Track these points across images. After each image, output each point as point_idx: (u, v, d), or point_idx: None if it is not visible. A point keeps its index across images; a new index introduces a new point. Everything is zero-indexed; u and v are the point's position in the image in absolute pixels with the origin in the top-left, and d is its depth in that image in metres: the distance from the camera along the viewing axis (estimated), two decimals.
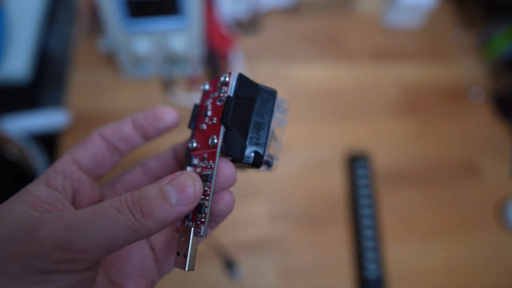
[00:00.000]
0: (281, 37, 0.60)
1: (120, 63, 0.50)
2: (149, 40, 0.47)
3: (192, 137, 0.22)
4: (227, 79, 0.20)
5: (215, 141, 0.19)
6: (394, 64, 0.60)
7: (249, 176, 0.49)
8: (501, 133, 0.56)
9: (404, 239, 0.47)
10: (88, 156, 0.21)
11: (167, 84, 0.52)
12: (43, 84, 0.53)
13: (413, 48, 0.62)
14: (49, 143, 0.47)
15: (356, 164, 0.49)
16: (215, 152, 0.19)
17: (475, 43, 0.64)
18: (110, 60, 0.54)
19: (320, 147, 0.52)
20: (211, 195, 0.19)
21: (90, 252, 0.15)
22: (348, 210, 0.48)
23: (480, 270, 0.46)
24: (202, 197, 0.19)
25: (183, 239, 0.19)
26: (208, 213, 0.19)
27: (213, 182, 0.19)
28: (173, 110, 0.22)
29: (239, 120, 0.20)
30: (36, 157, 0.43)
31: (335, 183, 0.50)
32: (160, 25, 0.46)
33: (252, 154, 0.20)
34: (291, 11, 0.62)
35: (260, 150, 0.20)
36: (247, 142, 0.20)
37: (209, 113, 0.21)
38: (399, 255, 0.46)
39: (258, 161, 0.20)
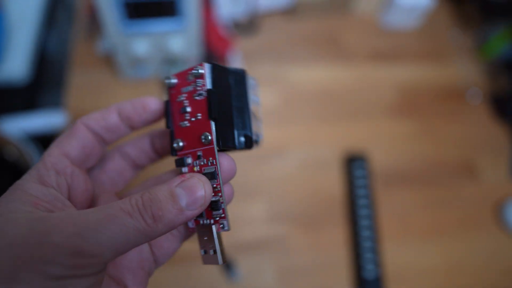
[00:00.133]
0: (279, 38, 0.60)
1: (119, 64, 0.51)
2: (148, 41, 0.47)
3: (174, 136, 0.21)
4: (201, 71, 0.19)
5: (210, 137, 0.19)
6: (392, 64, 0.60)
7: (248, 176, 0.49)
8: (499, 134, 0.56)
9: (402, 239, 0.47)
10: (78, 148, 0.20)
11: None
12: (41, 85, 0.53)
13: (411, 49, 0.62)
14: (47, 144, 0.47)
15: (354, 164, 0.49)
16: (212, 148, 0.19)
17: (472, 43, 0.64)
18: (109, 61, 0.54)
19: (319, 147, 0.52)
20: (223, 191, 0.19)
21: (103, 256, 0.15)
22: (346, 210, 0.48)
23: (478, 270, 0.47)
24: (213, 194, 0.19)
25: (205, 237, 0.20)
26: (225, 208, 0.20)
27: (220, 179, 0.19)
28: (160, 100, 0.22)
29: (222, 110, 0.20)
30: (34, 158, 0.43)
31: (333, 183, 0.50)
32: (158, 26, 0.46)
33: (243, 139, 0.21)
34: (289, 12, 0.62)
35: (248, 133, 0.21)
36: (235, 129, 0.20)
37: (188, 109, 0.20)
38: (397, 255, 0.46)
39: (250, 144, 0.21)
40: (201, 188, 0.18)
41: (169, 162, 0.25)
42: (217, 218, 0.20)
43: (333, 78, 0.58)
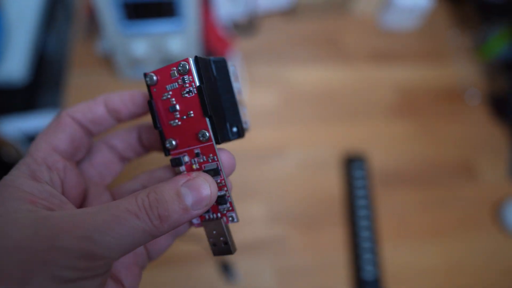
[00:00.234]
0: (278, 38, 0.60)
1: (118, 65, 0.51)
2: (146, 42, 0.47)
3: (165, 136, 0.20)
4: (187, 67, 0.19)
5: (208, 135, 0.19)
6: (391, 65, 0.60)
7: (247, 177, 0.49)
8: (498, 134, 0.56)
9: (401, 240, 0.47)
10: (66, 142, 0.20)
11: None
12: (40, 86, 0.53)
13: (410, 50, 0.62)
14: None
15: (353, 165, 0.49)
16: (211, 145, 0.19)
17: (471, 44, 0.64)
18: (108, 62, 0.54)
19: (318, 148, 0.52)
20: (228, 185, 0.20)
21: (112, 257, 0.16)
22: (346, 211, 0.48)
23: (477, 271, 0.47)
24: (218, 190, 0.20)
25: (214, 231, 0.21)
26: (232, 201, 0.20)
27: (224, 174, 0.20)
28: (142, 93, 0.22)
29: (214, 104, 0.20)
30: None
31: (332, 184, 0.50)
32: (157, 27, 0.46)
33: (235, 129, 0.21)
34: (288, 13, 0.62)
35: (239, 122, 0.21)
36: (227, 121, 0.21)
37: (177, 107, 0.20)
38: (396, 256, 0.46)
39: (242, 132, 0.21)
40: (207, 188, 0.18)
41: (156, 157, 0.25)
42: (225, 212, 0.21)
43: (333, 79, 0.58)
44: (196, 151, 0.20)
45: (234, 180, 0.21)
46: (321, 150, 0.52)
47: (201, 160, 0.20)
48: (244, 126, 0.22)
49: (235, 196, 0.22)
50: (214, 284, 0.42)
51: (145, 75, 0.20)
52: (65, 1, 0.60)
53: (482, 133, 0.56)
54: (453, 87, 0.60)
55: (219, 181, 0.20)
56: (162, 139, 0.20)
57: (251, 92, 0.55)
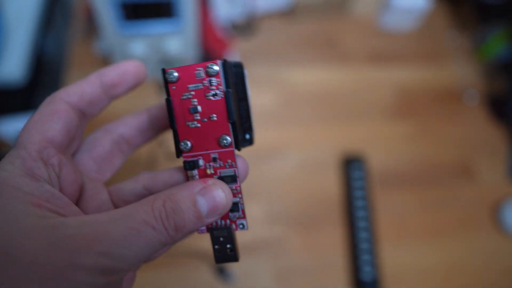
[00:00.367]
0: (277, 39, 0.60)
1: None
2: (144, 42, 0.47)
3: (180, 137, 0.20)
4: (215, 68, 0.18)
5: (230, 140, 0.19)
6: (390, 66, 0.60)
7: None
8: (496, 135, 0.56)
9: (399, 241, 0.47)
10: (62, 133, 0.18)
11: (162, 87, 0.52)
12: (38, 86, 0.53)
13: (408, 51, 0.62)
14: None
15: (351, 166, 0.49)
16: (231, 151, 0.19)
17: (470, 45, 0.64)
18: (106, 62, 0.54)
19: (317, 148, 0.52)
20: (242, 193, 0.20)
21: (130, 270, 0.15)
22: (344, 211, 0.48)
23: (476, 271, 0.47)
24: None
25: (221, 238, 0.20)
26: (244, 208, 0.20)
27: (239, 182, 0.20)
28: (140, 63, 0.21)
29: (236, 110, 0.19)
30: None
31: (331, 185, 0.50)
32: (155, 27, 0.46)
33: (248, 136, 0.21)
34: (287, 14, 0.62)
35: (251, 129, 0.21)
36: (242, 127, 0.20)
37: (199, 109, 0.19)
38: (395, 256, 0.46)
39: (253, 139, 0.21)
40: (223, 198, 0.18)
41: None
42: (235, 219, 0.20)
43: (331, 80, 0.58)
44: (213, 155, 0.19)
45: None
46: (320, 151, 0.52)
47: (218, 165, 0.20)
48: (254, 133, 0.22)
49: None
50: (211, 286, 0.42)
51: (165, 71, 0.19)
52: (64, 1, 0.60)
53: (481, 133, 0.56)
54: (452, 88, 0.60)
55: (234, 188, 0.20)
56: (176, 139, 0.19)
57: (250, 93, 0.55)
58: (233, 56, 0.56)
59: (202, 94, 0.19)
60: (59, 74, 0.53)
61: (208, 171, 0.20)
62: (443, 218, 0.49)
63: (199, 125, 0.19)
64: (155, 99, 0.52)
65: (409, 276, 0.45)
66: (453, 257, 0.47)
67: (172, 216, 0.16)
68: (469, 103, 0.59)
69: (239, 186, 0.20)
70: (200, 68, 0.19)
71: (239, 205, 0.20)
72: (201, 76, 0.19)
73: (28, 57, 0.53)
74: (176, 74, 0.19)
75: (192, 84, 0.19)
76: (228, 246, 0.20)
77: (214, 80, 0.19)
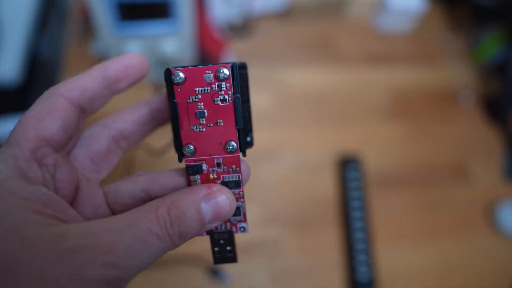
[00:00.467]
0: (273, 41, 0.60)
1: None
2: (141, 43, 0.47)
3: (183, 141, 0.19)
4: (226, 72, 0.18)
5: (236, 146, 0.19)
6: (385, 68, 0.61)
7: None
8: (491, 136, 0.57)
9: (395, 241, 0.47)
10: (60, 131, 0.17)
11: (159, 88, 0.52)
12: (33, 88, 0.52)
13: (404, 52, 0.63)
14: None
15: (347, 166, 0.49)
16: (237, 157, 0.19)
17: (464, 47, 0.64)
18: None
19: (312, 150, 0.52)
20: (244, 197, 0.20)
21: (133, 277, 0.15)
22: (340, 212, 0.48)
23: (471, 272, 0.47)
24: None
25: (222, 241, 0.20)
26: (246, 212, 0.20)
27: (243, 187, 0.20)
28: (142, 55, 0.20)
29: (243, 115, 0.19)
30: None
31: (326, 186, 0.50)
32: (152, 28, 0.46)
33: (249, 139, 0.21)
34: (283, 16, 0.62)
35: (251, 131, 0.21)
36: (245, 130, 0.20)
37: (206, 113, 0.19)
38: (390, 257, 0.46)
39: (253, 141, 0.21)
40: (227, 206, 0.18)
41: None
42: (236, 222, 0.20)
43: (327, 81, 0.58)
44: (217, 160, 0.19)
45: None
46: (316, 152, 0.52)
47: (221, 171, 0.19)
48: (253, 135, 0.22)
49: None
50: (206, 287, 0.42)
51: (170, 72, 0.18)
52: (59, 2, 0.60)
53: (476, 135, 0.57)
54: (447, 89, 0.60)
55: (237, 192, 0.20)
56: (179, 143, 0.19)
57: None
58: (230, 57, 0.56)
59: (210, 98, 0.18)
60: (54, 75, 0.53)
61: (211, 176, 0.19)
62: (438, 219, 0.49)
63: (204, 129, 0.19)
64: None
65: (405, 276, 0.46)
66: (448, 258, 0.47)
67: (177, 224, 0.16)
68: (464, 104, 0.59)
69: (242, 191, 0.20)
70: (209, 71, 0.18)
71: (241, 209, 0.20)
72: (210, 80, 0.18)
73: (23, 57, 0.53)
74: (182, 75, 0.18)
75: (200, 87, 0.18)
76: (228, 248, 0.20)
77: (223, 85, 0.18)
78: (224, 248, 0.20)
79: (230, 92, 0.18)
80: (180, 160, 0.19)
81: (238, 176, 0.19)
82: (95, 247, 0.14)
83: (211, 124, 0.19)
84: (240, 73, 0.19)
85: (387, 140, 0.54)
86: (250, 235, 0.45)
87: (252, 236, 0.45)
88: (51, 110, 0.17)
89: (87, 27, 0.55)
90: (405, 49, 0.63)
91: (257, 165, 0.50)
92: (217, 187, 0.18)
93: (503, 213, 0.49)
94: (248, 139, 0.21)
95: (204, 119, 0.19)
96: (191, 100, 0.18)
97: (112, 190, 0.20)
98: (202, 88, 0.18)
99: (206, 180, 0.20)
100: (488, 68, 0.62)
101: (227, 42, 0.57)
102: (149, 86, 0.53)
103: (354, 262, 0.44)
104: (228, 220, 0.20)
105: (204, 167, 0.19)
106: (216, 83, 0.18)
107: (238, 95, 0.18)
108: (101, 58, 0.53)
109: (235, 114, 0.18)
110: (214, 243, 0.20)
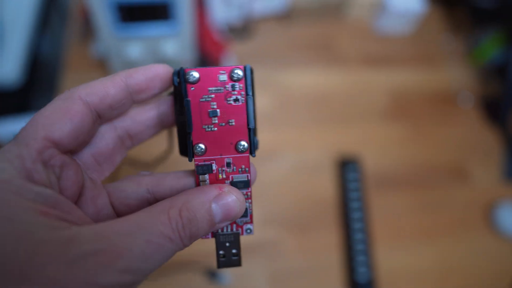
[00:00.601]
0: (273, 42, 0.61)
1: (112, 68, 0.51)
2: (141, 45, 0.47)
3: (194, 140, 0.19)
4: (240, 73, 0.18)
5: (247, 146, 0.19)
6: (385, 69, 0.61)
7: None
8: (490, 137, 0.57)
9: (394, 242, 0.48)
10: (71, 135, 0.16)
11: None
12: (34, 88, 0.53)
13: (403, 54, 0.63)
14: None
15: (346, 167, 0.50)
16: (246, 157, 0.19)
17: (464, 48, 0.65)
18: (102, 64, 0.54)
19: (312, 151, 0.52)
20: (251, 198, 0.20)
21: (145, 279, 0.15)
22: (339, 213, 0.48)
23: (469, 273, 0.47)
24: None
25: (227, 243, 0.20)
26: (252, 213, 0.20)
27: (251, 187, 0.20)
28: (170, 67, 0.20)
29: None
30: None
31: (326, 187, 0.50)
32: (152, 30, 0.46)
33: (256, 140, 0.21)
34: (283, 17, 0.62)
35: (256, 134, 0.21)
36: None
37: (218, 113, 0.19)
38: (390, 258, 0.46)
39: (258, 144, 0.21)
40: (237, 207, 0.18)
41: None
42: (242, 224, 0.20)
43: (327, 82, 0.58)
44: (227, 160, 0.19)
45: None
46: (315, 153, 0.52)
47: (231, 171, 0.20)
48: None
49: None
50: None
51: (184, 71, 0.18)
52: (60, 3, 0.60)
53: (475, 136, 0.57)
54: (447, 91, 0.60)
55: (245, 193, 0.20)
56: (189, 142, 0.19)
57: None
58: (230, 59, 0.56)
59: (223, 98, 0.19)
60: (55, 76, 0.53)
61: (220, 176, 0.20)
62: (437, 220, 0.50)
63: (215, 129, 0.19)
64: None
65: (404, 277, 0.46)
66: (447, 258, 0.47)
67: (189, 227, 0.16)
68: (464, 105, 0.59)
69: (250, 192, 0.20)
70: (223, 72, 0.18)
71: (248, 210, 0.20)
72: (224, 80, 0.19)
73: (24, 59, 0.53)
74: (197, 75, 0.18)
75: (213, 87, 0.19)
76: (233, 251, 0.20)
77: (237, 85, 0.19)
78: (229, 251, 0.20)
79: (243, 92, 0.19)
80: (190, 160, 0.19)
81: (247, 176, 0.20)
82: (108, 252, 0.14)
83: (223, 124, 0.19)
84: (247, 75, 0.20)
85: (387, 141, 0.54)
86: (249, 236, 0.45)
87: (252, 237, 0.46)
88: (65, 112, 0.16)
89: (88, 28, 0.55)
90: (405, 50, 0.63)
91: (257, 165, 0.50)
92: (227, 187, 0.18)
93: (502, 214, 0.49)
94: (256, 140, 0.21)
95: (216, 119, 0.19)
96: (204, 100, 0.19)
97: (116, 190, 0.20)
98: (216, 88, 0.19)
99: (215, 180, 0.20)
100: (488, 69, 0.62)
101: (227, 44, 0.57)
102: None
103: (354, 263, 0.44)
104: (234, 222, 0.20)
105: (214, 166, 0.19)
106: (230, 83, 0.19)
107: (251, 95, 0.19)
108: (101, 59, 0.54)
109: (247, 113, 0.19)
110: (219, 245, 0.20)
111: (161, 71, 0.19)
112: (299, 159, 0.51)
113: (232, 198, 0.18)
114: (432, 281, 0.46)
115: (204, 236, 0.18)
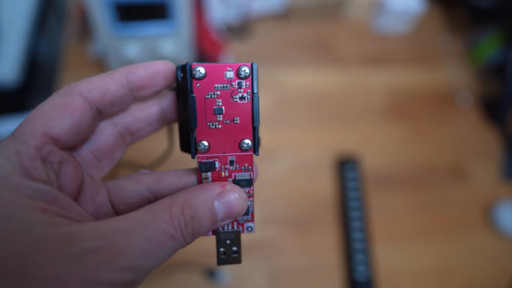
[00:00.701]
0: (271, 42, 0.60)
1: (110, 67, 0.50)
2: (139, 44, 0.47)
3: (198, 137, 0.19)
4: (248, 70, 0.18)
5: (251, 144, 0.19)
6: (384, 69, 0.61)
7: None
8: (489, 137, 0.57)
9: (393, 241, 0.47)
10: (70, 132, 0.16)
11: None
12: (32, 88, 0.53)
13: (402, 53, 0.63)
14: None
15: (345, 167, 0.50)
16: (250, 155, 0.19)
17: (463, 48, 0.64)
18: (100, 64, 0.54)
19: (311, 150, 0.52)
20: (253, 197, 0.20)
21: (146, 276, 0.15)
22: (338, 212, 0.48)
23: (468, 272, 0.47)
24: None
25: (228, 241, 0.20)
26: (254, 211, 0.20)
27: (253, 186, 0.20)
28: (172, 63, 0.19)
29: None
30: None
31: (325, 186, 0.50)
32: (150, 29, 0.46)
33: (259, 139, 0.21)
34: (281, 17, 0.62)
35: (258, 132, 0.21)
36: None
37: (223, 110, 0.18)
38: (389, 257, 0.46)
39: (260, 142, 0.21)
40: (240, 206, 0.18)
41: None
42: (243, 222, 0.20)
43: (325, 82, 0.58)
44: (231, 158, 0.19)
45: None
46: (315, 153, 0.52)
47: (234, 169, 0.19)
48: None
49: None
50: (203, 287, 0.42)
51: (191, 66, 0.18)
52: (58, 3, 0.60)
53: (474, 135, 0.57)
54: (445, 90, 0.60)
55: (247, 191, 0.20)
56: (194, 140, 0.19)
57: None
58: (228, 58, 0.56)
59: (228, 96, 0.18)
60: (53, 75, 0.53)
61: (223, 174, 0.19)
62: (436, 219, 0.49)
63: (220, 126, 0.19)
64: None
65: (403, 276, 0.45)
66: (446, 258, 0.47)
67: (191, 224, 0.16)
68: (463, 105, 0.59)
69: (252, 190, 0.20)
70: (230, 69, 0.18)
71: (250, 208, 0.20)
72: (231, 77, 0.18)
73: (22, 58, 0.53)
74: (203, 71, 0.18)
75: (220, 83, 0.18)
76: (234, 248, 0.20)
77: (243, 82, 0.18)
78: (229, 249, 0.20)
79: (249, 91, 0.18)
80: (193, 157, 0.19)
81: (250, 174, 0.19)
82: (109, 249, 0.14)
83: (227, 121, 0.19)
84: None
85: (386, 140, 0.54)
86: (249, 235, 0.45)
87: (251, 236, 0.45)
88: (65, 108, 0.16)
89: (85, 28, 0.55)
90: (404, 50, 0.63)
91: (257, 165, 0.50)
92: (230, 185, 0.18)
93: (501, 213, 0.49)
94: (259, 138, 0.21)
95: (221, 116, 0.19)
96: (209, 96, 0.18)
97: (116, 188, 0.19)
98: (222, 85, 0.18)
99: (218, 178, 0.19)
100: (486, 69, 0.62)
101: (225, 44, 0.57)
102: None
103: (353, 262, 0.44)
104: (236, 220, 0.20)
105: (217, 164, 0.19)
106: (237, 81, 0.18)
107: (256, 94, 0.18)
108: (99, 59, 0.54)
109: (252, 112, 0.19)
110: (219, 243, 0.20)
111: (163, 68, 0.19)
112: (298, 159, 0.51)
113: (234, 196, 0.18)
114: (431, 280, 0.46)
115: (207, 232, 0.18)
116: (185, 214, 0.16)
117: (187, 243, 0.16)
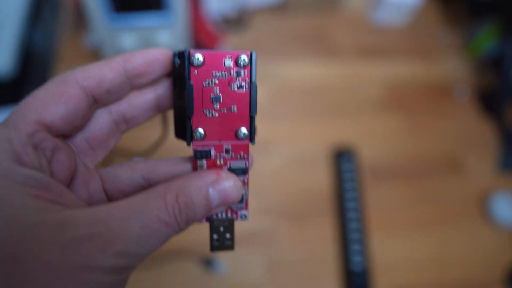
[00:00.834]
0: (268, 34, 0.60)
1: (105, 58, 0.50)
2: (134, 35, 0.47)
3: (193, 124, 0.19)
4: (247, 60, 0.18)
5: (247, 133, 0.19)
6: (381, 61, 0.60)
7: None
8: (486, 129, 0.57)
9: (389, 232, 0.48)
10: (64, 119, 0.16)
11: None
12: (27, 80, 0.52)
13: (399, 46, 0.63)
14: None
15: (342, 158, 0.50)
16: (246, 144, 0.19)
17: (460, 41, 0.64)
18: (96, 56, 0.53)
19: (307, 143, 0.52)
20: (248, 185, 0.20)
21: (140, 262, 0.15)
22: (334, 203, 0.48)
23: (464, 262, 0.47)
24: None
25: (221, 228, 0.20)
26: (248, 200, 0.20)
27: (248, 175, 0.20)
28: (169, 51, 0.19)
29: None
30: None
31: (321, 178, 0.50)
32: (145, 21, 0.46)
33: (255, 127, 0.21)
34: (278, 9, 0.62)
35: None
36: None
37: (221, 99, 0.18)
38: (385, 247, 0.46)
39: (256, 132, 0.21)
40: (235, 193, 0.18)
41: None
42: (237, 209, 0.20)
43: (322, 75, 0.58)
44: (226, 147, 0.19)
45: None
46: (311, 145, 0.52)
47: (229, 157, 0.19)
48: None
49: None
50: (200, 279, 0.42)
51: (189, 53, 0.18)
52: None
53: (471, 128, 0.57)
54: (442, 83, 0.60)
55: (242, 179, 0.20)
56: (190, 127, 0.19)
57: None
58: (225, 49, 0.56)
59: (226, 84, 0.18)
60: (48, 67, 0.53)
61: (218, 162, 0.19)
62: (432, 210, 0.50)
63: (216, 114, 0.19)
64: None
65: (399, 266, 0.46)
66: (442, 248, 0.47)
67: (185, 211, 0.16)
68: (460, 98, 0.59)
69: (247, 178, 0.20)
70: (229, 57, 0.18)
71: (244, 196, 0.20)
72: (229, 65, 0.18)
73: (17, 50, 0.52)
74: (202, 58, 0.18)
75: (218, 71, 0.18)
76: (227, 236, 0.20)
77: (242, 71, 0.18)
78: (223, 235, 0.20)
79: (247, 79, 0.18)
80: (188, 144, 0.19)
81: (245, 163, 0.20)
82: (104, 236, 0.14)
83: (224, 110, 0.19)
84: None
85: (382, 133, 0.54)
86: (245, 226, 0.45)
87: (247, 227, 0.46)
88: (60, 96, 0.16)
89: (81, 18, 0.54)
90: (401, 42, 0.63)
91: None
92: (225, 173, 0.18)
93: (497, 204, 0.49)
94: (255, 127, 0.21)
95: (218, 104, 0.18)
96: (207, 84, 0.18)
97: (110, 176, 0.19)
98: (220, 73, 0.18)
99: (213, 166, 0.19)
100: (483, 62, 0.62)
101: (222, 36, 0.56)
102: None
103: (349, 252, 0.44)
104: (230, 207, 0.20)
105: (212, 152, 0.19)
106: (235, 69, 0.18)
107: (255, 83, 0.18)
108: (94, 50, 0.53)
109: (250, 101, 0.18)
110: (213, 230, 0.20)
111: (160, 55, 0.19)
112: (294, 151, 0.51)
113: (229, 184, 0.18)
114: (427, 271, 0.46)
115: (201, 218, 0.18)
116: (180, 202, 0.16)
117: (181, 230, 0.16)
